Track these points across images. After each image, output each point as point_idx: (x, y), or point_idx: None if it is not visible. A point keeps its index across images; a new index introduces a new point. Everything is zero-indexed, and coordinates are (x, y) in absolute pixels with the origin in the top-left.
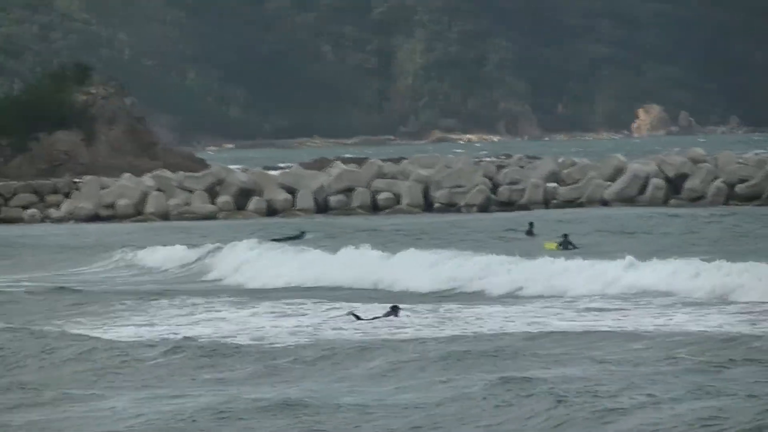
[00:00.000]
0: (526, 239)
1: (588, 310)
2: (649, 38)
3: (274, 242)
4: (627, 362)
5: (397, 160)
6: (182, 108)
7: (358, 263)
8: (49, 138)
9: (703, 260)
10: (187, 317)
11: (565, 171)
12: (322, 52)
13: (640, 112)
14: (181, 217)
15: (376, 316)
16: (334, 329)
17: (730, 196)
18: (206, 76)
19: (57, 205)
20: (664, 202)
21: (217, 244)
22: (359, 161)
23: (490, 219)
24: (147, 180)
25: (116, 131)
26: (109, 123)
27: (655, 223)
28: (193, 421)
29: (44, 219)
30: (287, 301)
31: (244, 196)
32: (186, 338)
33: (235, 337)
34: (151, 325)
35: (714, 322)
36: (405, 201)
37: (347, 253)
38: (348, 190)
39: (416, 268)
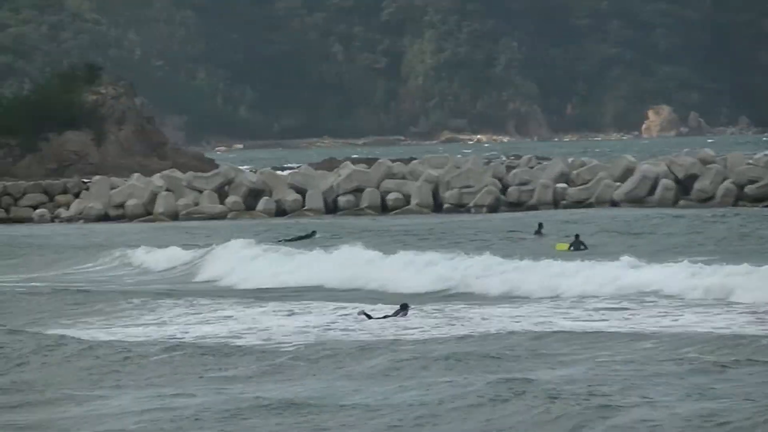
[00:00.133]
0: (534, 240)
1: (587, 310)
2: (658, 39)
3: (287, 242)
4: (629, 362)
5: (406, 161)
6: (191, 108)
7: (349, 264)
8: (58, 138)
9: (695, 261)
10: (179, 317)
11: (575, 172)
12: (332, 53)
13: (650, 113)
14: (190, 217)
15: (387, 314)
16: (341, 330)
17: (740, 197)
18: (215, 76)
19: (66, 205)
20: (674, 203)
21: (214, 245)
22: (369, 161)
23: (498, 219)
24: (156, 180)
25: (125, 131)
26: (118, 123)
27: (658, 224)
28: (196, 419)
29: (53, 219)
30: (288, 301)
31: (253, 196)
32: (178, 339)
33: (236, 337)
34: (147, 325)
35: (718, 323)
36: (414, 201)
37: (340, 254)
38: (357, 191)
39: (407, 269)
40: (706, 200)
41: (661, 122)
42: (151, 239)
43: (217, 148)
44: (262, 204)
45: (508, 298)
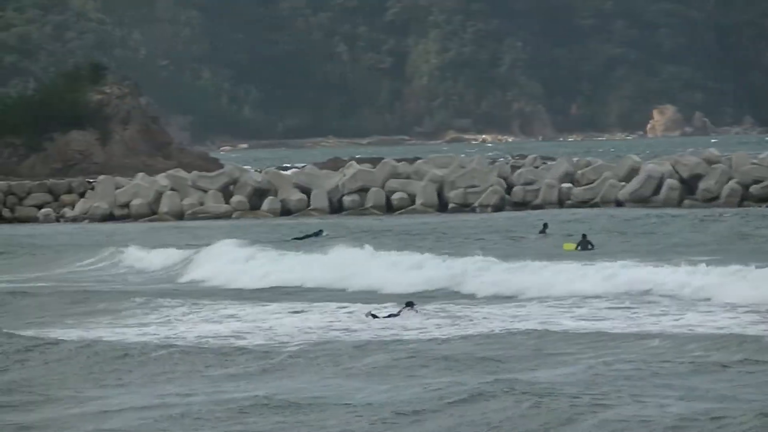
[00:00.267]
0: (538, 239)
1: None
2: (662, 38)
3: (297, 240)
4: (628, 362)
5: (411, 161)
6: (196, 108)
7: (334, 265)
8: (63, 138)
9: (692, 261)
10: (164, 318)
11: (580, 171)
12: (336, 53)
13: (655, 113)
14: (195, 216)
15: (392, 313)
16: (341, 329)
17: (745, 197)
18: (220, 76)
19: (71, 205)
20: (679, 203)
21: (205, 245)
22: (373, 161)
23: (502, 219)
24: (161, 180)
25: (130, 131)
26: (123, 123)
27: (655, 223)
28: (197, 418)
29: (58, 219)
30: (279, 301)
31: (258, 196)
32: (164, 338)
33: (227, 337)
34: (140, 326)
35: (695, 321)
36: (419, 201)
37: (324, 255)
38: (362, 190)
39: (393, 270)
40: (711, 200)
41: (665, 122)
42: (148, 239)
43: (221, 148)
44: (266, 204)
45: (498, 299)
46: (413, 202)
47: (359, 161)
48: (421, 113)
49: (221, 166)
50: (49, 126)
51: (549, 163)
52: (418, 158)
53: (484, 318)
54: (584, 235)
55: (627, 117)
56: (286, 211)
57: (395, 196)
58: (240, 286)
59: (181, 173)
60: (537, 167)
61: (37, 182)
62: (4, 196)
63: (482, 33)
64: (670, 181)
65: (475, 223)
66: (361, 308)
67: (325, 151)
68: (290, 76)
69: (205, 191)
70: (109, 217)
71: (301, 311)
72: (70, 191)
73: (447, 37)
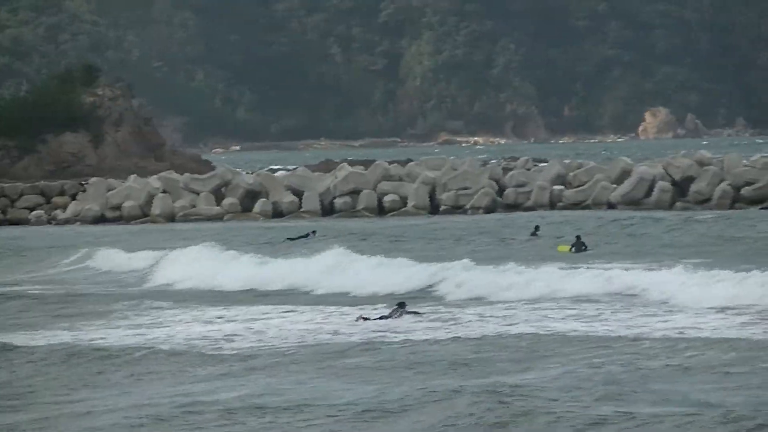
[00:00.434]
0: (530, 241)
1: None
2: (656, 40)
3: (290, 240)
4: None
5: (403, 163)
6: (189, 109)
7: (300, 268)
8: (56, 139)
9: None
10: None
11: (572, 173)
12: (330, 54)
13: (647, 115)
14: (187, 218)
15: (384, 315)
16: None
17: (736, 199)
18: (214, 77)
19: (63, 207)
20: (671, 205)
21: (177, 248)
22: (365, 163)
23: (493, 221)
24: (153, 182)
25: (123, 133)
26: (116, 124)
27: (640, 225)
28: (160, 420)
29: (50, 221)
30: (247, 305)
31: (250, 198)
32: (139, 340)
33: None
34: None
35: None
36: (411, 203)
37: (294, 259)
38: (354, 192)
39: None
40: (703, 202)
41: (657, 124)
42: (131, 241)
43: (214, 150)
44: (258, 206)
45: (478, 302)
46: (405, 204)
47: (351, 163)
48: (415, 115)
49: (213, 168)
50: (42, 128)
51: (541, 165)
52: (410, 160)
53: (474, 320)
54: (578, 237)
55: (620, 119)
56: (277, 214)
57: (387, 199)
58: (210, 288)
59: (173, 175)
60: (529, 169)
61: (29, 184)
62: None
63: (476, 34)
64: (661, 183)
65: (466, 225)
66: (340, 311)
67: (318, 153)
68: (284, 78)
69: (197, 193)
70: (100, 219)
71: (270, 315)
72: (62, 193)
73: (440, 38)
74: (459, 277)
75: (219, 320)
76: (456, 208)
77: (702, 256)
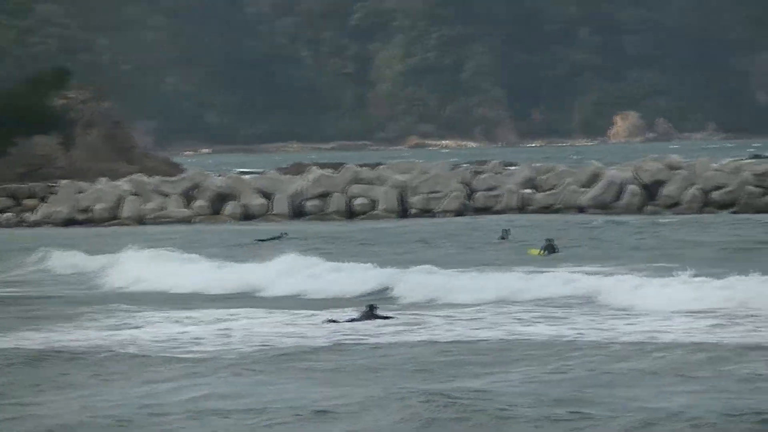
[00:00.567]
0: (499, 245)
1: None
2: (626, 44)
3: (260, 242)
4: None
5: (373, 166)
6: (160, 112)
7: (240, 271)
8: (27, 142)
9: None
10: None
11: (541, 177)
12: (301, 57)
13: (617, 119)
14: (157, 221)
15: (353, 318)
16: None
17: (706, 203)
18: (185, 80)
19: (33, 210)
20: (640, 209)
21: (129, 250)
22: (335, 166)
23: (462, 224)
24: (123, 184)
25: (94, 135)
26: (86, 127)
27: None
28: (119, 421)
29: (20, 223)
30: (197, 309)
31: (220, 200)
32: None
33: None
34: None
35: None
36: (381, 206)
37: (233, 263)
38: (324, 195)
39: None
40: (673, 206)
41: (628, 128)
42: (92, 244)
43: (184, 153)
44: (228, 208)
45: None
46: (375, 207)
47: (321, 166)
48: (385, 118)
49: (183, 171)
50: (13, 130)
51: (511, 168)
52: (381, 164)
53: (442, 324)
54: (548, 240)
55: (590, 123)
56: (247, 216)
57: (357, 202)
58: (164, 290)
59: (143, 178)
60: (499, 173)
61: None
62: None
63: (446, 38)
64: (631, 187)
65: (435, 228)
66: (309, 314)
67: (288, 156)
68: (255, 82)
69: (167, 196)
70: (70, 222)
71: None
72: (32, 196)
73: (411, 42)
74: (413, 280)
75: (178, 323)
76: (426, 212)
77: (667, 260)
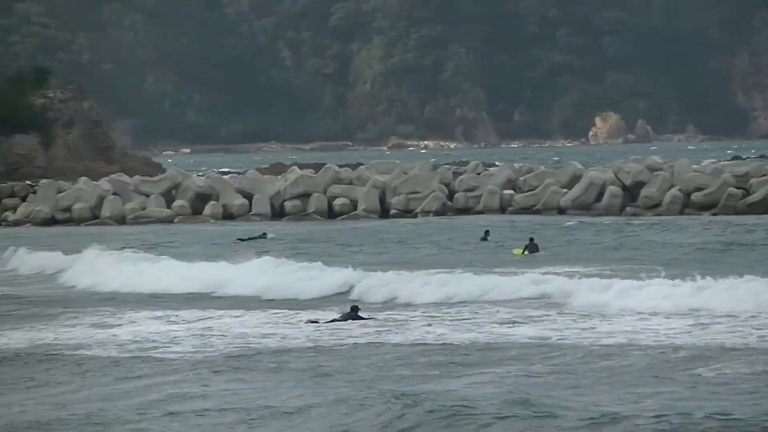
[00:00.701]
0: (480, 246)
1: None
2: (606, 46)
3: (241, 241)
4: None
5: (354, 166)
6: (139, 112)
7: (200, 272)
8: (6, 141)
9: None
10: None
11: (522, 178)
12: (281, 58)
13: (598, 120)
14: (137, 220)
15: (335, 319)
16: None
17: (686, 204)
18: (163, 80)
19: (13, 209)
20: (621, 210)
21: (94, 250)
22: (316, 167)
23: (443, 225)
24: (103, 184)
25: (74, 135)
26: (66, 126)
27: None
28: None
29: (0, 222)
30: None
31: (200, 200)
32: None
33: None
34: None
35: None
36: (361, 207)
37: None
38: (304, 196)
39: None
40: (653, 207)
41: (608, 129)
42: (63, 244)
43: (164, 152)
44: (209, 208)
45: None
46: (355, 207)
47: (301, 166)
48: (365, 119)
49: (164, 171)
50: None
51: (491, 169)
52: (361, 164)
53: (421, 326)
54: (531, 239)
55: (570, 124)
56: (228, 216)
57: (337, 202)
58: (111, 290)
59: (124, 178)
60: (479, 174)
61: None
62: None
63: (426, 39)
64: (612, 188)
65: (415, 228)
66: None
67: (268, 156)
68: (234, 81)
69: (147, 196)
70: (51, 221)
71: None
72: (12, 195)
73: (391, 42)
74: (374, 282)
75: (152, 322)
76: (406, 212)
77: (638, 262)
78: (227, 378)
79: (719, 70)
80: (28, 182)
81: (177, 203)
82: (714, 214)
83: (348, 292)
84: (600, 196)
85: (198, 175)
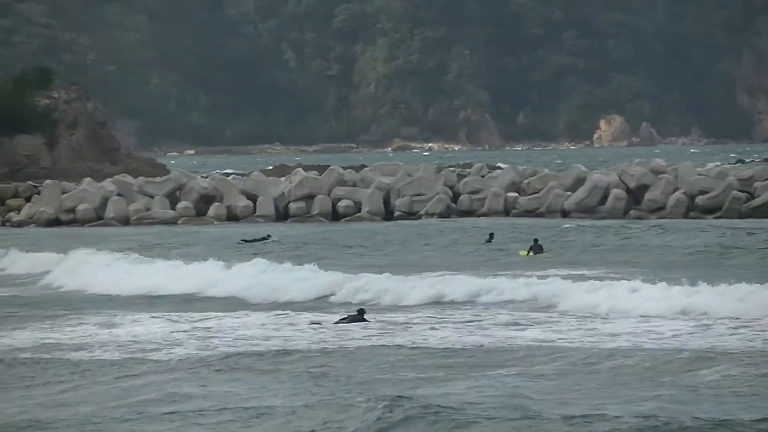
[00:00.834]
0: (485, 248)
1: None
2: (610, 48)
3: (246, 242)
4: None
5: (358, 168)
6: (144, 113)
7: (188, 273)
8: (10, 142)
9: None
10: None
11: (526, 181)
12: (285, 59)
13: (602, 123)
14: (141, 222)
15: (343, 318)
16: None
17: (690, 208)
18: (168, 81)
19: (18, 209)
20: (625, 213)
21: (77, 252)
22: (320, 168)
23: (445, 227)
24: (107, 185)
25: (78, 136)
26: (70, 127)
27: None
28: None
29: (4, 223)
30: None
31: (204, 202)
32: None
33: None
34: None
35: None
36: (365, 209)
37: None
38: (308, 198)
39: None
40: (657, 210)
41: (612, 132)
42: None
43: (168, 153)
44: (213, 210)
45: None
46: (359, 209)
47: (306, 168)
48: (369, 121)
49: (168, 172)
50: None
51: (495, 172)
52: (365, 166)
53: (424, 330)
54: (536, 240)
55: (574, 127)
56: (232, 218)
57: (341, 204)
58: (98, 292)
59: (128, 179)
60: (483, 176)
61: None
62: None
63: (430, 41)
64: (616, 191)
65: (420, 231)
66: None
67: (272, 158)
68: (238, 82)
69: (152, 197)
70: (55, 222)
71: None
72: (16, 195)
73: (395, 44)
74: (363, 284)
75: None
76: (410, 215)
77: (636, 265)
78: (227, 378)
79: (723, 73)
80: (32, 183)
81: (181, 204)
82: (718, 218)
83: (331, 294)
84: (604, 199)
85: (202, 177)
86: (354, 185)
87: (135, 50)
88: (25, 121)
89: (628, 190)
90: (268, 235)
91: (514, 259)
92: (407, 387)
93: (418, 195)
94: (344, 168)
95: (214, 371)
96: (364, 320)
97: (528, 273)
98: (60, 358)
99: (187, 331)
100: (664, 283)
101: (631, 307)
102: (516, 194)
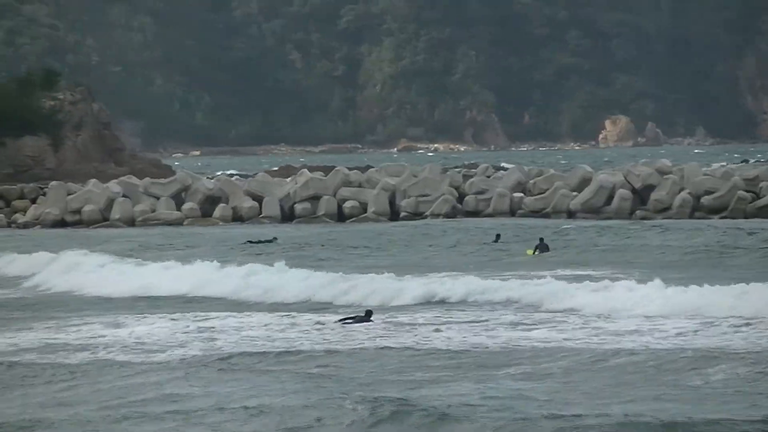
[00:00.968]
0: (491, 247)
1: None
2: (615, 49)
3: (252, 243)
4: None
5: (363, 169)
6: (149, 114)
7: (178, 274)
8: (15, 143)
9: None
10: None
11: (532, 181)
12: (290, 60)
13: (607, 123)
14: (146, 223)
15: (350, 316)
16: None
17: (696, 208)
18: (172, 82)
19: (23, 211)
20: (631, 214)
21: (67, 253)
22: (325, 169)
23: (450, 228)
24: (113, 186)
25: (83, 137)
26: (75, 128)
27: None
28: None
29: (10, 224)
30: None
31: (210, 203)
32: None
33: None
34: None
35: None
36: (371, 209)
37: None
38: (314, 198)
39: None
40: (663, 211)
41: (618, 132)
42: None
43: (174, 154)
44: (218, 211)
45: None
46: (365, 210)
47: (311, 169)
48: (374, 121)
49: (173, 173)
50: (2, 131)
51: (500, 172)
52: (371, 167)
53: (428, 332)
54: (541, 239)
55: (579, 127)
56: (237, 219)
57: (347, 205)
58: (92, 294)
59: (133, 180)
60: (489, 176)
61: None
62: None
63: (435, 41)
64: (622, 192)
65: (423, 231)
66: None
67: (277, 159)
68: (243, 83)
69: (157, 198)
70: (60, 223)
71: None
72: (21, 197)
73: (400, 45)
74: (353, 285)
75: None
76: (416, 215)
77: (637, 265)
78: (227, 377)
79: (726, 73)
80: (38, 184)
81: (187, 205)
82: (723, 218)
83: (326, 295)
84: (610, 199)
85: (207, 178)
86: (360, 186)
87: (139, 51)
88: (30, 123)
89: (633, 191)
90: (275, 238)
91: (517, 259)
92: (408, 387)
93: (423, 196)
94: (350, 169)
95: (215, 371)
96: (370, 321)
97: (533, 273)
98: (38, 363)
99: (189, 332)
100: (663, 283)
101: (635, 306)
102: (522, 195)
